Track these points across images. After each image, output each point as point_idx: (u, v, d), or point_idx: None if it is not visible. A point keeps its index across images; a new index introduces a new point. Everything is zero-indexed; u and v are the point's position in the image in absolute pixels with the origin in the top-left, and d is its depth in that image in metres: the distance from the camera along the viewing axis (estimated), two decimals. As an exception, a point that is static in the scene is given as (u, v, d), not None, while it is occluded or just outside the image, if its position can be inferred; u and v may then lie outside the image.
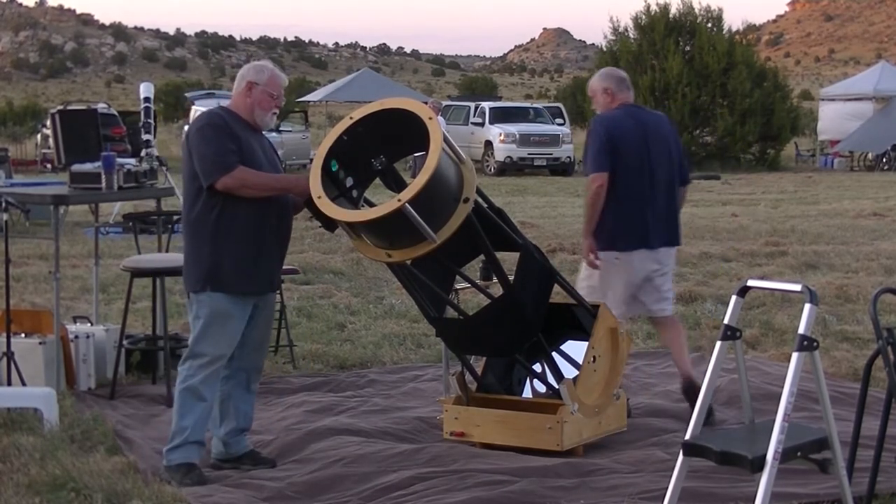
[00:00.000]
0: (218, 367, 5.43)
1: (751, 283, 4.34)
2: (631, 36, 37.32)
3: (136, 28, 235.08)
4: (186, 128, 34.60)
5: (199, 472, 5.40)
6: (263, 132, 5.61)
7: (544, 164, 31.09)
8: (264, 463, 5.63)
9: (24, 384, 6.67)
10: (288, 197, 5.47)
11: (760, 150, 35.94)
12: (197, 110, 33.50)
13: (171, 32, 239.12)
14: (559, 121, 33.19)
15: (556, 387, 5.74)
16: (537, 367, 5.94)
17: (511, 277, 5.70)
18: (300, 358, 8.08)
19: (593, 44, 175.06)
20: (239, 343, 5.46)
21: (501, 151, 30.96)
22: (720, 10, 37.07)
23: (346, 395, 7.11)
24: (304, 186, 5.27)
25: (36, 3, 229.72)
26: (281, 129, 32.11)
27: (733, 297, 4.31)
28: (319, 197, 5.21)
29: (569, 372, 5.85)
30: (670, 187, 6.52)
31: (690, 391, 6.27)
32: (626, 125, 6.42)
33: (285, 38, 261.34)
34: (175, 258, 7.46)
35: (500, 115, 32.48)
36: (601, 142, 6.36)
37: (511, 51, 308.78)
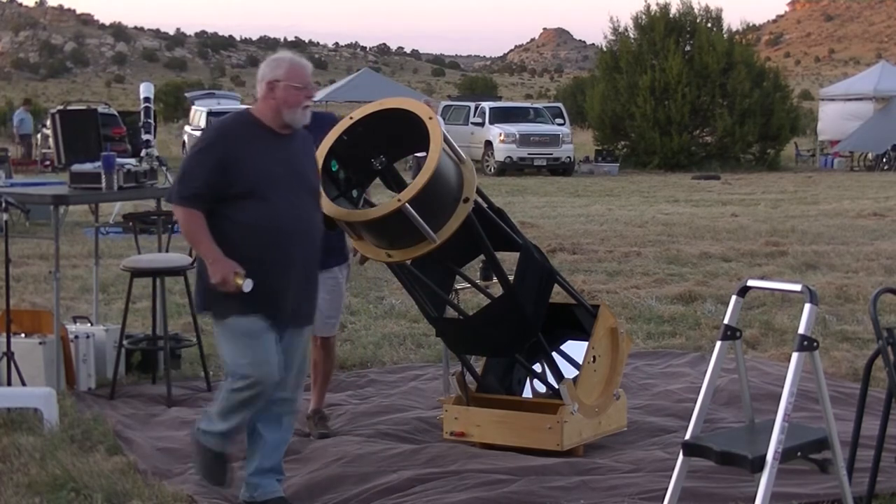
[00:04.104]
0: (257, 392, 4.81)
1: (751, 283, 4.34)
2: (631, 36, 37.35)
3: (136, 28, 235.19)
4: (187, 128, 34.20)
5: (225, 468, 4.98)
6: (299, 129, 4.94)
7: (544, 164, 31.08)
8: None
9: (24, 384, 6.68)
10: (311, 224, 4.93)
11: (760, 150, 35.95)
12: (197, 110, 33.61)
13: (171, 32, 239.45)
14: (559, 121, 33.18)
15: (556, 387, 5.74)
16: (537, 367, 5.94)
17: (511, 277, 5.70)
18: (300, 358, 8.07)
19: (593, 44, 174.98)
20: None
21: (501, 151, 30.97)
22: (720, 10, 37.17)
23: (346, 394, 7.12)
24: (217, 271, 4.67)
25: (36, 3, 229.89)
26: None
27: (733, 297, 4.31)
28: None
29: (569, 372, 5.85)
30: None
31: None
32: None
33: (285, 38, 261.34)
34: (175, 258, 7.48)
35: (500, 115, 32.48)
36: None
37: (511, 51, 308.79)
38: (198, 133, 30.95)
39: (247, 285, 4.68)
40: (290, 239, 4.81)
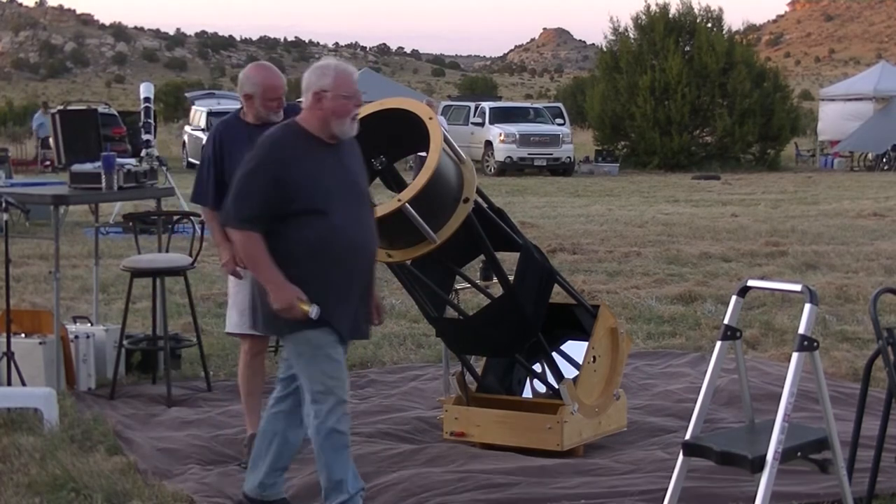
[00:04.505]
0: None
1: (751, 283, 4.34)
2: (631, 36, 37.37)
3: (136, 28, 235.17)
4: (187, 128, 34.01)
5: None
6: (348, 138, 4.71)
7: (544, 164, 31.07)
8: None
9: (24, 384, 6.68)
10: (370, 235, 4.75)
11: (760, 151, 35.97)
12: (197, 110, 33.59)
13: (171, 32, 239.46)
14: (559, 121, 33.18)
15: (556, 387, 5.74)
16: (537, 367, 5.94)
17: (511, 277, 5.70)
18: (300, 358, 8.06)
19: (593, 44, 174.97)
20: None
21: (501, 151, 30.97)
22: (720, 10, 37.20)
23: (346, 395, 7.11)
24: (280, 298, 4.50)
25: (36, 3, 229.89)
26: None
27: (733, 297, 4.31)
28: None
29: (569, 372, 5.85)
30: None
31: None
32: None
33: (285, 38, 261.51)
34: (175, 258, 7.48)
35: (500, 115, 32.48)
36: None
37: (511, 51, 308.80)
38: (198, 133, 31.00)
39: (314, 311, 4.47)
40: (351, 253, 4.62)
